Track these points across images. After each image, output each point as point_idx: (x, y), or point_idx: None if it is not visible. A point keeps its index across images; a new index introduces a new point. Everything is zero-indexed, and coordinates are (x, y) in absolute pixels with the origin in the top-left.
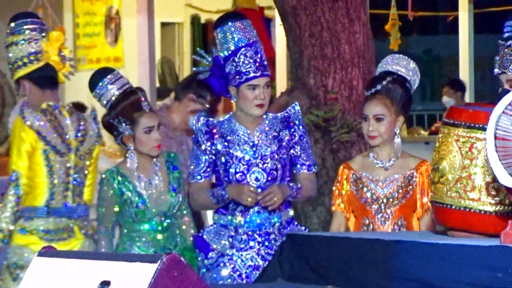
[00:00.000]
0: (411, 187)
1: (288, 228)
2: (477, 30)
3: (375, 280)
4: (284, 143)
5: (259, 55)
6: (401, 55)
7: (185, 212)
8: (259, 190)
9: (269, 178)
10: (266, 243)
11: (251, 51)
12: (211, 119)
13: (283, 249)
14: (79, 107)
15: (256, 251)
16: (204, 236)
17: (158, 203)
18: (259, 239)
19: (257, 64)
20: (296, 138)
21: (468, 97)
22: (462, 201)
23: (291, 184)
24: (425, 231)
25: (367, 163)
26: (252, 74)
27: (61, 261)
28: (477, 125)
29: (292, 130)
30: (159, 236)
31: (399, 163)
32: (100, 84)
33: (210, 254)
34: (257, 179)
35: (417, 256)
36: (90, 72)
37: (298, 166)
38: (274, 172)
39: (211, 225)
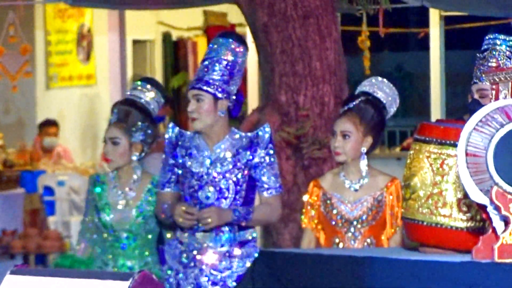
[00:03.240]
0: (380, 208)
1: (237, 249)
2: (448, 46)
3: None
4: (241, 163)
5: (207, 70)
6: (383, 79)
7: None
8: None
9: (220, 197)
10: (209, 264)
11: (205, 64)
12: (184, 130)
13: (256, 266)
14: (50, 124)
15: (199, 270)
16: (165, 249)
17: (122, 218)
18: (203, 259)
19: (196, 77)
20: (256, 160)
21: (439, 114)
22: (434, 217)
23: (240, 208)
24: (396, 247)
25: (337, 182)
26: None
27: (34, 279)
28: (448, 142)
29: (254, 151)
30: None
31: (369, 183)
32: None
33: (164, 267)
34: (207, 197)
35: (389, 273)
36: (62, 90)
37: (259, 188)
38: (226, 191)
39: (175, 239)
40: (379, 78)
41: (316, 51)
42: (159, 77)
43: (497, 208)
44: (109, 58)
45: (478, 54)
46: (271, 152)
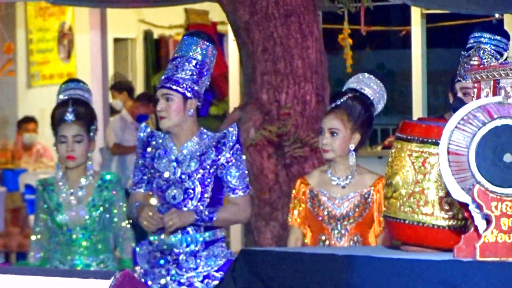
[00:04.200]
0: (367, 205)
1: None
2: (429, 44)
3: None
4: (207, 163)
5: (176, 69)
6: (371, 76)
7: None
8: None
9: (186, 197)
10: (175, 264)
11: (174, 64)
12: (155, 131)
13: (237, 265)
14: (29, 120)
15: (166, 271)
16: (137, 249)
17: (74, 216)
18: (169, 259)
19: (165, 76)
20: (222, 160)
21: (421, 112)
22: (416, 216)
23: (202, 209)
24: (378, 246)
25: (324, 179)
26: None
27: (15, 278)
28: (430, 140)
29: (220, 152)
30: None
31: (356, 181)
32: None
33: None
34: (174, 197)
35: (371, 271)
36: (43, 88)
37: (225, 189)
38: (191, 191)
39: (145, 239)
40: (366, 75)
41: (298, 49)
42: (140, 75)
43: (479, 207)
44: (90, 56)
45: (462, 52)
46: (238, 152)
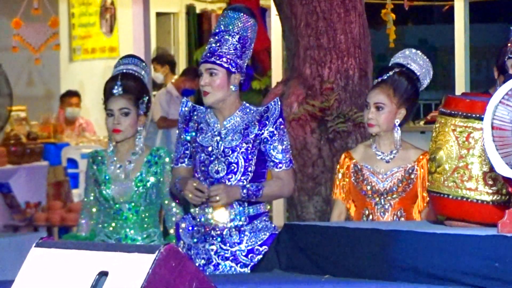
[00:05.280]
0: (411, 180)
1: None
2: (472, 19)
3: (372, 270)
4: (250, 138)
5: (219, 44)
6: (417, 51)
7: (166, 201)
8: (212, 184)
9: (229, 171)
10: (219, 239)
11: (216, 38)
12: (197, 105)
13: (280, 239)
14: (72, 95)
15: (210, 245)
16: (180, 224)
17: (122, 190)
18: (213, 233)
19: (208, 51)
20: (265, 134)
21: (463, 87)
22: (459, 191)
23: (249, 185)
24: (422, 221)
25: (369, 154)
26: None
27: (59, 252)
28: (474, 115)
29: (263, 126)
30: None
31: (400, 156)
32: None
33: (179, 243)
34: (217, 172)
35: (414, 246)
36: (85, 62)
37: (269, 163)
38: (235, 165)
39: (188, 214)
40: (413, 50)
41: (341, 24)
42: (182, 49)
43: None
44: (132, 30)
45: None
46: (281, 126)
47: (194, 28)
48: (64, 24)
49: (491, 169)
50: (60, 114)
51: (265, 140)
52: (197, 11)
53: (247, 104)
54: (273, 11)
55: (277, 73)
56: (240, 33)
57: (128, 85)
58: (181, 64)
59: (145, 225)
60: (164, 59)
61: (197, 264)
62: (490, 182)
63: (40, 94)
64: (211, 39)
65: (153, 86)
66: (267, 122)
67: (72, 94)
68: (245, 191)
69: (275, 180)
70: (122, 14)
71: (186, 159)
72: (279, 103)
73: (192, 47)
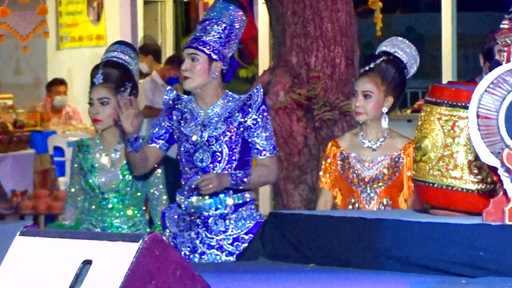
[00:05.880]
0: (397, 168)
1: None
2: (460, 7)
3: (357, 258)
4: (234, 126)
5: (204, 31)
6: (404, 39)
7: (151, 190)
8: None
9: (214, 160)
10: (204, 227)
11: (203, 25)
12: (181, 94)
13: (265, 228)
14: (59, 83)
15: (196, 234)
16: (166, 213)
17: (108, 179)
18: (198, 222)
19: (193, 37)
20: (248, 122)
21: (450, 76)
22: (445, 180)
23: (236, 172)
24: (407, 209)
25: (355, 142)
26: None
27: (43, 240)
28: (459, 104)
29: (246, 114)
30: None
31: (387, 144)
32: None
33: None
34: (201, 161)
35: (399, 235)
36: (72, 50)
37: (253, 150)
38: (219, 154)
39: (174, 202)
40: (399, 38)
41: (328, 12)
42: (170, 38)
43: (508, 171)
44: (119, 19)
45: (505, 16)
46: (264, 113)
47: (182, 16)
48: (51, 12)
49: (476, 158)
50: (47, 102)
51: (248, 128)
52: None
53: (230, 93)
54: None
55: (264, 62)
56: (227, 23)
57: (109, 74)
58: (168, 52)
59: (131, 214)
60: (148, 49)
61: (182, 253)
62: (475, 171)
63: (27, 82)
64: (198, 26)
65: (140, 75)
66: (250, 110)
67: (58, 82)
68: (234, 177)
69: (261, 167)
70: (110, 2)
71: (160, 141)
72: (262, 90)
73: (180, 35)
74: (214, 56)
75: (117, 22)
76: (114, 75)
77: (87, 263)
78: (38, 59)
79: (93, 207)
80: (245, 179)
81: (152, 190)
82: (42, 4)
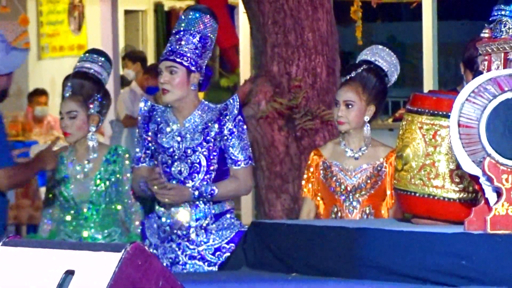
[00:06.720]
0: (380, 177)
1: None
2: (440, 16)
3: (340, 268)
4: (211, 137)
5: (180, 42)
6: (384, 47)
7: (125, 200)
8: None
9: (192, 171)
10: (185, 238)
11: (177, 37)
12: (156, 105)
13: (247, 237)
14: (40, 93)
15: (177, 245)
16: (145, 223)
17: (81, 189)
18: (179, 233)
19: (169, 49)
20: (225, 132)
21: (432, 84)
22: (426, 189)
23: (203, 187)
24: (389, 218)
25: (337, 151)
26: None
27: (25, 250)
28: (440, 113)
29: (222, 123)
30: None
31: (369, 153)
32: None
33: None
34: (180, 172)
35: (382, 244)
36: (53, 60)
37: (228, 160)
38: (197, 165)
39: (153, 213)
40: (380, 47)
41: (309, 21)
42: (151, 47)
43: (489, 179)
44: (100, 28)
45: (486, 25)
46: (240, 123)
47: (163, 26)
48: (33, 22)
49: (458, 166)
50: (28, 112)
51: (224, 138)
52: (166, 8)
53: (206, 102)
54: (241, 9)
55: (245, 71)
56: (201, 33)
57: (77, 86)
58: (150, 62)
59: (106, 225)
60: (136, 56)
61: (164, 264)
62: (457, 180)
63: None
64: (172, 38)
65: (124, 83)
66: (226, 120)
67: (39, 92)
68: (196, 192)
69: (232, 179)
70: (90, 12)
71: (147, 159)
72: (238, 100)
73: (161, 45)
74: (192, 68)
75: (98, 32)
76: (82, 87)
77: (70, 273)
78: (20, 69)
79: (68, 217)
80: (212, 192)
81: (125, 200)
82: (23, 14)
